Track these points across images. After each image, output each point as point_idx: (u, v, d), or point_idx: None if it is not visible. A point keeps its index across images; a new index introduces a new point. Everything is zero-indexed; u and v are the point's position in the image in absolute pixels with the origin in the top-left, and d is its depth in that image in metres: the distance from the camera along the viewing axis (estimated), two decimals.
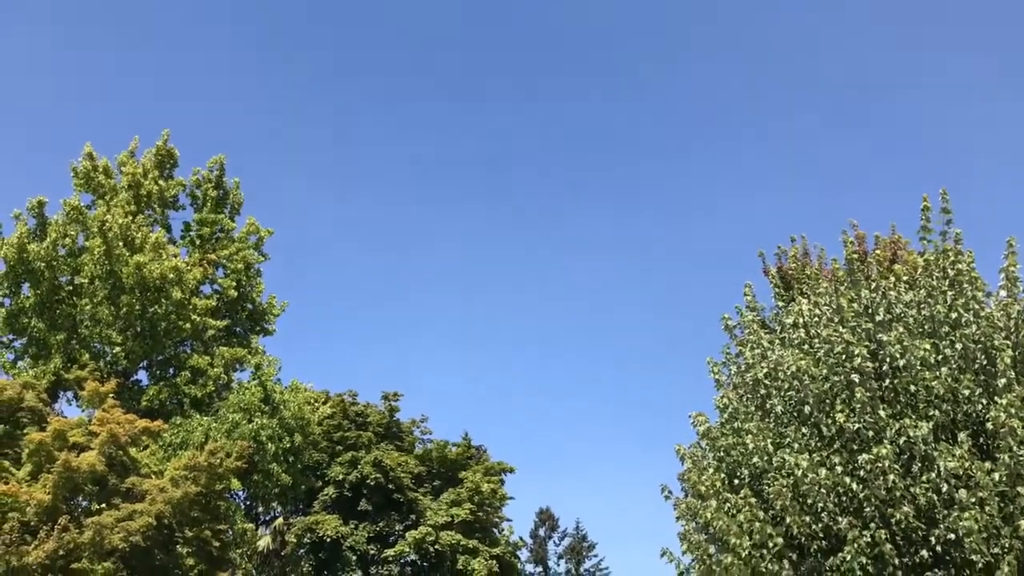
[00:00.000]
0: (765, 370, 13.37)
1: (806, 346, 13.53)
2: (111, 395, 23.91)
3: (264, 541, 35.59)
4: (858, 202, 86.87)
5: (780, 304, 16.46)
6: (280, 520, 36.88)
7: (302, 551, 35.89)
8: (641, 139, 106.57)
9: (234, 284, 32.15)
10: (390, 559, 35.40)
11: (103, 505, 21.28)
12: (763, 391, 13.48)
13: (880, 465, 10.87)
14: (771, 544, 11.70)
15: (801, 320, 13.94)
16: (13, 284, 28.55)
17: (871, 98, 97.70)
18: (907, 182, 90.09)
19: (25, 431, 22.63)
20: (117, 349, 28.27)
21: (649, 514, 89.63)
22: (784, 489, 11.60)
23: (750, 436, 12.73)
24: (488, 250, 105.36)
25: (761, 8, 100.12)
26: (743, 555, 11.89)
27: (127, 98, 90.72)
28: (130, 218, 29.18)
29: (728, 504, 12.62)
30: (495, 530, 38.66)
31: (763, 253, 19.82)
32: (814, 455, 11.85)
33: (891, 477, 10.86)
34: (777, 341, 14.19)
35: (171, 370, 30.00)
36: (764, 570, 11.67)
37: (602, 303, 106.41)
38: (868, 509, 11.12)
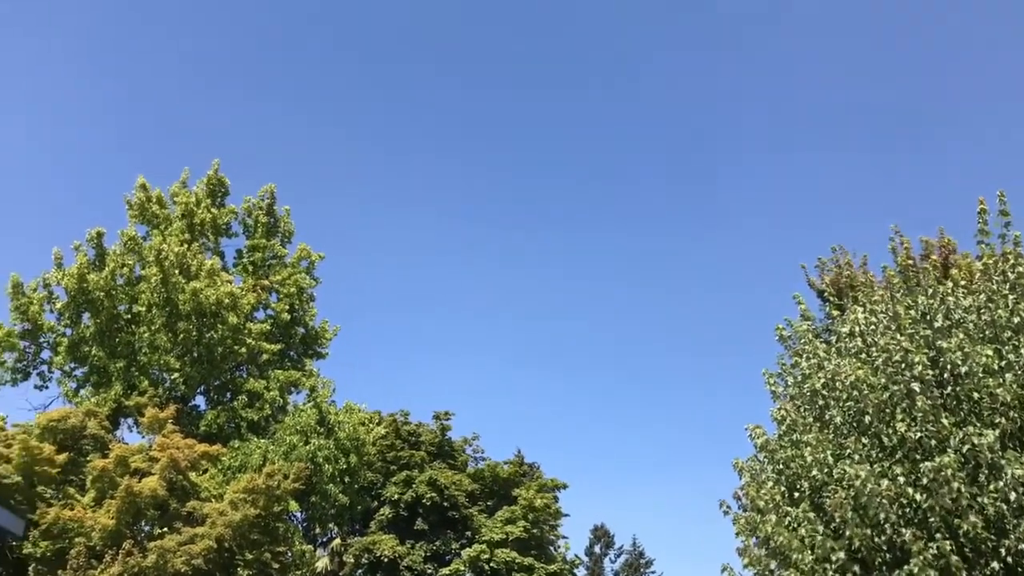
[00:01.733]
0: (822, 380, 13.19)
1: (863, 355, 13.33)
2: (170, 420, 24.35)
3: (322, 562, 35.81)
4: (895, 209, 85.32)
5: (836, 313, 16.26)
6: (337, 541, 37.10)
7: (360, 571, 36.05)
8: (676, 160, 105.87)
9: (287, 308, 32.67)
10: None
11: (165, 529, 21.62)
12: (821, 402, 13.29)
13: (944, 474, 10.63)
14: (833, 558, 11.51)
15: (857, 329, 13.75)
16: (74, 314, 29.27)
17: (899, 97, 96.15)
18: (953, 187, 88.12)
19: (88, 458, 23.12)
20: (175, 375, 28.78)
21: (707, 529, 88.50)
22: (844, 501, 11.40)
23: (809, 448, 12.56)
24: (534, 269, 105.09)
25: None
26: (805, 570, 11.71)
27: (175, 129, 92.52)
28: (185, 246, 29.77)
29: (788, 518, 12.46)
30: (551, 547, 38.48)
31: (804, 266, 19.77)
32: (875, 466, 11.64)
33: (956, 486, 10.61)
34: (834, 350, 14.00)
35: (228, 394, 30.47)
36: None
37: (651, 317, 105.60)
38: (933, 520, 10.88)
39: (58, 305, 29.40)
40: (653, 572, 59.09)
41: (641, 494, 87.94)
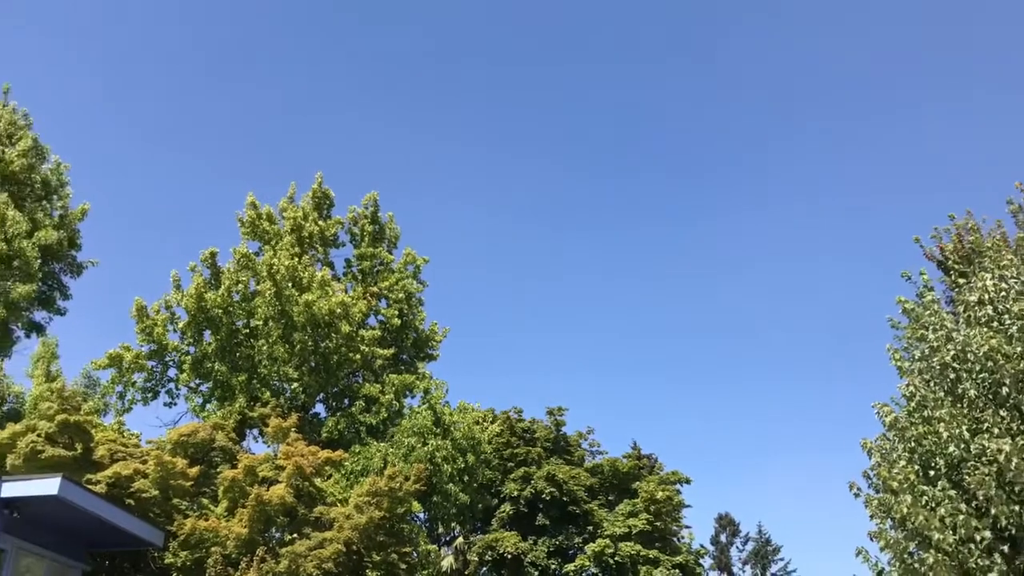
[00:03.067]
0: (952, 352, 12.57)
1: (995, 323, 12.65)
2: (293, 429, 24.96)
3: (447, 561, 36.26)
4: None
5: (962, 280, 15.47)
6: (460, 539, 37.53)
7: (484, 569, 36.38)
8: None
9: (397, 313, 33.25)
10: (571, 573, 35.39)
11: (295, 535, 22.18)
12: (952, 375, 12.67)
13: None
14: (978, 538, 10.94)
15: (987, 296, 13.04)
16: (195, 332, 30.39)
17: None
18: None
19: (219, 469, 23.92)
20: (295, 385, 29.58)
21: (835, 513, 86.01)
22: (987, 478, 10.83)
23: (942, 424, 11.98)
24: (639, 267, 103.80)
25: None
26: (948, 551, 11.16)
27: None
28: (295, 260, 30.58)
29: (925, 497, 11.91)
30: (674, 539, 38.03)
31: (919, 239, 18.86)
32: (1017, 439, 11.02)
33: None
34: (962, 320, 13.32)
35: (346, 401, 31.16)
36: (974, 566, 10.90)
37: (769, 300, 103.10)
38: None
39: (180, 325, 30.57)
40: (781, 559, 57.86)
41: (764, 480, 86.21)
